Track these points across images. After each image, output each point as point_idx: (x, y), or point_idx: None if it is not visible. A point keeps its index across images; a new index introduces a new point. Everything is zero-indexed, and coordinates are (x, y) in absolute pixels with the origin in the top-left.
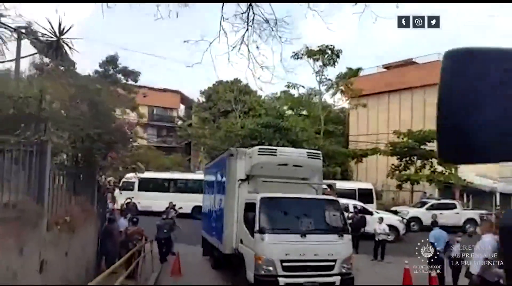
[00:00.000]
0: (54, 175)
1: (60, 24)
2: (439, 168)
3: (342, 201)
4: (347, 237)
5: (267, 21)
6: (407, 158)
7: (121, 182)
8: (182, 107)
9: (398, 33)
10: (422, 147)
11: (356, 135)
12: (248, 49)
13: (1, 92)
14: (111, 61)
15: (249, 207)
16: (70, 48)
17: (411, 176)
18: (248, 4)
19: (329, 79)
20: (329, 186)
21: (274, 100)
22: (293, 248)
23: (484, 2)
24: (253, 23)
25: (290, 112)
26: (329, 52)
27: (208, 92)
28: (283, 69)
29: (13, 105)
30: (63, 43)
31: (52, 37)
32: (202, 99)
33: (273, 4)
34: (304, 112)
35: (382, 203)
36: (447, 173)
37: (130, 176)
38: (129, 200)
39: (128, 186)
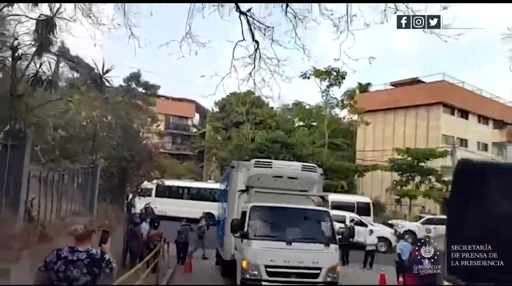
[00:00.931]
0: (98, 190)
1: (103, 65)
2: (438, 185)
3: (340, 213)
4: (334, 247)
5: (270, 59)
6: (407, 174)
7: (140, 189)
8: (197, 115)
9: (406, 51)
10: (420, 164)
11: (362, 151)
12: (254, 82)
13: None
14: (134, 77)
15: (244, 215)
16: (109, 84)
17: (408, 191)
18: (256, 47)
19: (334, 98)
20: (321, 197)
21: (286, 111)
22: (278, 255)
23: (482, 2)
24: (259, 61)
25: (301, 123)
26: (335, 73)
27: (222, 102)
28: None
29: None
30: (105, 80)
31: (96, 75)
32: (216, 109)
33: (276, 48)
34: (315, 124)
35: (385, 215)
36: (444, 190)
37: (148, 183)
38: (148, 205)
39: (146, 192)
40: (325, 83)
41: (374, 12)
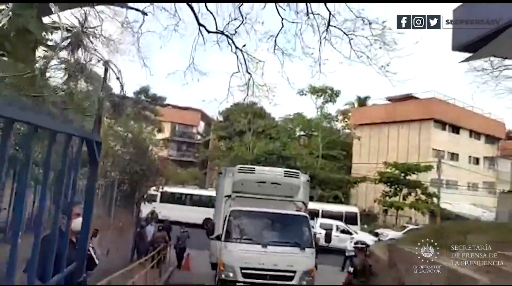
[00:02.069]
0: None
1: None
2: (423, 197)
3: (328, 221)
4: (310, 251)
5: (262, 86)
6: (395, 186)
7: (146, 195)
8: (202, 124)
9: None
10: (407, 177)
11: (358, 164)
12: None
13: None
14: (143, 90)
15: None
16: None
17: (394, 203)
18: (249, 77)
19: (329, 113)
20: (303, 202)
21: (287, 121)
22: (253, 257)
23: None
24: (253, 89)
25: (302, 133)
26: (329, 91)
27: (226, 112)
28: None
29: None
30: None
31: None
32: (220, 118)
33: (266, 78)
34: (315, 133)
35: (377, 224)
36: (429, 202)
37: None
38: (153, 210)
39: (152, 199)
40: (321, 99)
41: (342, 56)
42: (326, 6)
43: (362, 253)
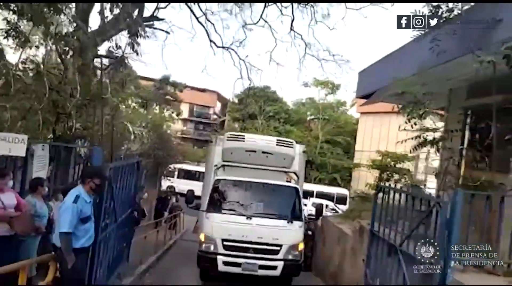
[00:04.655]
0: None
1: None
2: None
3: (319, 201)
4: (298, 224)
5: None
6: (387, 173)
7: (166, 172)
8: (219, 104)
9: None
10: (397, 165)
11: (360, 151)
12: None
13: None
14: (165, 79)
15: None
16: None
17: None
18: (250, 83)
19: (331, 103)
20: (295, 173)
21: (300, 106)
22: (236, 229)
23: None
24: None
25: (312, 117)
26: (330, 85)
27: (241, 95)
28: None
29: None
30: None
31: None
32: (236, 101)
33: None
34: (327, 117)
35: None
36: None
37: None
38: (171, 185)
39: (170, 175)
40: (323, 91)
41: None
42: (303, 39)
43: (312, 223)
